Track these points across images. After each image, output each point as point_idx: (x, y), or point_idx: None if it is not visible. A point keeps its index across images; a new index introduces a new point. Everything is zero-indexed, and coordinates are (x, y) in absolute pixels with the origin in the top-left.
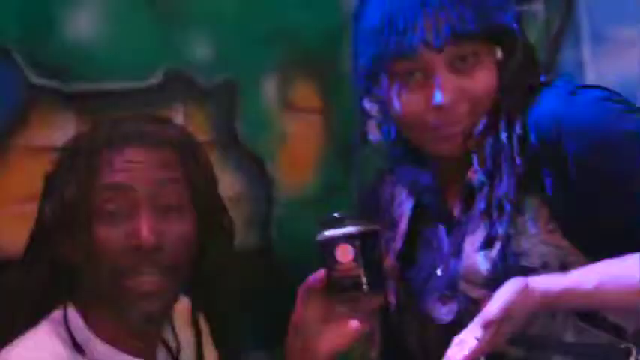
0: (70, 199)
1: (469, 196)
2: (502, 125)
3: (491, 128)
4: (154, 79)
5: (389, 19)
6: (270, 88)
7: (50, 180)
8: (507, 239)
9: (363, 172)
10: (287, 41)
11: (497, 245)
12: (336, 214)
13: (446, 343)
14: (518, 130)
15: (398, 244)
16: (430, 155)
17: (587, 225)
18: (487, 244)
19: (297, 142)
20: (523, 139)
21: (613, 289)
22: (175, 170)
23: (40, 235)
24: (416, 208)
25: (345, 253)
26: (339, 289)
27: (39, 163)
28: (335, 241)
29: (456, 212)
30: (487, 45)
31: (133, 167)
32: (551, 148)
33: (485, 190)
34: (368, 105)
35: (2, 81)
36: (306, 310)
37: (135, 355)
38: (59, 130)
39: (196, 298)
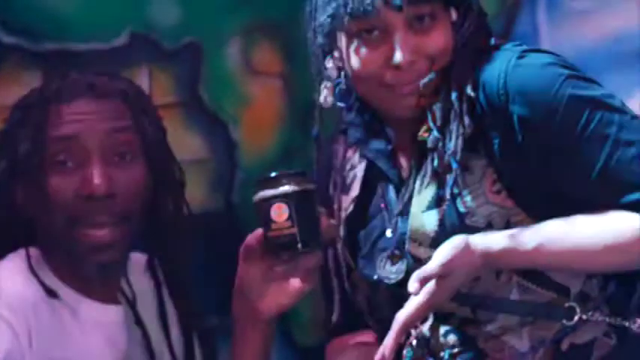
0: (22, 153)
1: (420, 156)
2: (453, 85)
3: (444, 88)
4: (120, 41)
5: None
6: (233, 51)
7: (4, 135)
8: (453, 199)
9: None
10: (251, 6)
11: (444, 205)
12: (272, 174)
13: (394, 303)
14: (468, 90)
15: (350, 207)
16: (384, 117)
17: (531, 186)
18: (435, 203)
19: (260, 105)
20: (473, 100)
21: (554, 250)
22: (124, 120)
23: None
24: (368, 170)
25: (279, 213)
26: (274, 248)
27: (4, 121)
28: (269, 200)
29: (406, 173)
30: (443, 6)
31: (82, 118)
32: (497, 109)
33: (436, 149)
34: (326, 64)
35: None
36: (247, 271)
37: (98, 300)
38: (26, 89)
39: (152, 250)
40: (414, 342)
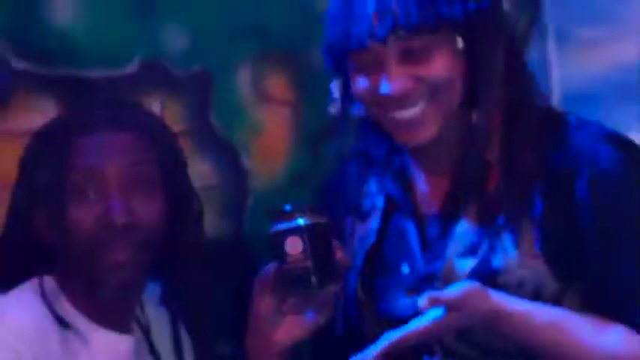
0: (43, 182)
1: (455, 198)
2: (518, 153)
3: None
4: (131, 68)
5: (346, 5)
6: (244, 79)
7: (24, 163)
8: (491, 253)
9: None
10: (262, 34)
11: (480, 256)
12: (286, 207)
13: None
14: (539, 165)
15: (370, 237)
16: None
17: (573, 261)
18: (471, 251)
19: (270, 133)
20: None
21: (559, 341)
22: (145, 152)
23: (15, 217)
24: (387, 200)
25: (293, 246)
26: (288, 281)
27: (18, 147)
28: (284, 233)
29: (432, 208)
30: (441, 36)
31: (104, 151)
32: (565, 185)
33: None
34: (332, 87)
35: None
36: (261, 304)
37: (110, 328)
38: (39, 115)
39: (168, 279)
40: None
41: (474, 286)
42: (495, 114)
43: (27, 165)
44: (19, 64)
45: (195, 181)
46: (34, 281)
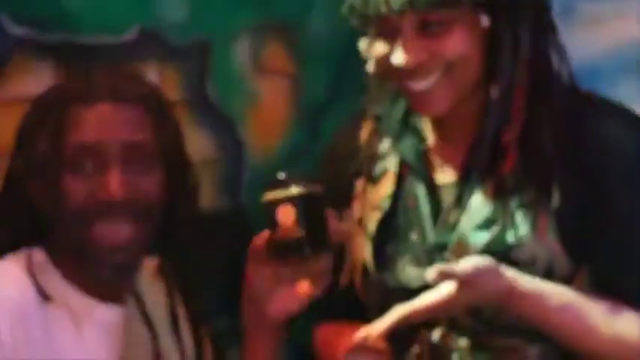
0: (40, 152)
1: (470, 170)
2: (539, 135)
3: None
4: (129, 36)
5: None
6: (242, 49)
7: (22, 131)
8: (506, 227)
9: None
10: (261, 4)
11: (494, 230)
12: (281, 175)
13: None
14: (564, 150)
15: (384, 203)
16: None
17: (587, 242)
18: (486, 225)
19: (267, 105)
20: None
21: (570, 323)
22: (145, 126)
23: (11, 185)
24: (401, 164)
25: (286, 215)
26: (281, 251)
27: (15, 114)
28: (277, 202)
29: (447, 177)
30: (462, 11)
31: (104, 124)
32: (587, 172)
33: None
34: (360, 44)
35: None
36: (255, 275)
37: (107, 303)
38: (36, 81)
39: (165, 254)
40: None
41: (487, 262)
42: (519, 94)
43: (25, 133)
44: (16, 31)
45: (190, 153)
46: (23, 254)
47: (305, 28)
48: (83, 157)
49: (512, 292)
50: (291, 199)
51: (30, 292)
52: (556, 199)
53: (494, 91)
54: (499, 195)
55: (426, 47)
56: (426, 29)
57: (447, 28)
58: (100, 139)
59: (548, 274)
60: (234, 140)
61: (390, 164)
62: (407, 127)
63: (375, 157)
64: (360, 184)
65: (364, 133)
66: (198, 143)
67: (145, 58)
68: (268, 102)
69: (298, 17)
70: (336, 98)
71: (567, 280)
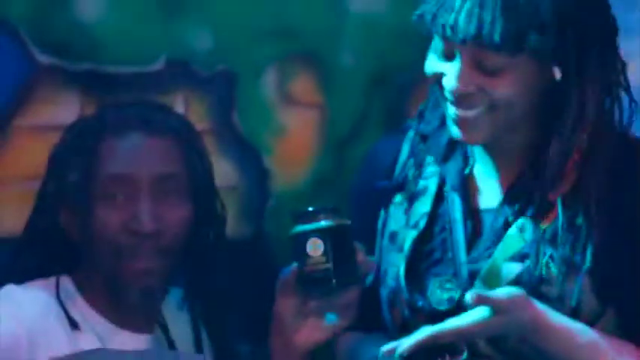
0: (72, 181)
1: (514, 199)
2: (586, 199)
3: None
4: (156, 66)
5: None
6: (269, 80)
7: (54, 159)
8: (538, 263)
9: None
10: (289, 35)
11: (527, 264)
12: (310, 208)
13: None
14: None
15: (420, 221)
16: None
17: (616, 284)
18: (519, 257)
19: (294, 136)
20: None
21: None
22: (176, 158)
23: (41, 212)
24: (440, 187)
25: (315, 248)
26: (309, 283)
27: (42, 141)
28: (305, 235)
29: (487, 204)
30: (523, 61)
31: (135, 155)
32: (625, 218)
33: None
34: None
35: (8, 58)
36: (283, 305)
37: (132, 331)
38: (63, 109)
39: (188, 283)
40: None
41: (520, 293)
42: (576, 153)
43: (57, 161)
44: (43, 59)
45: (216, 181)
46: (51, 280)
47: (332, 59)
48: (115, 188)
49: (540, 325)
50: (319, 232)
51: (59, 319)
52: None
53: (553, 147)
54: (537, 231)
55: (477, 81)
56: (482, 64)
57: (500, 70)
58: (131, 170)
59: (576, 313)
60: (259, 169)
61: (430, 183)
62: (453, 149)
63: (417, 173)
64: (398, 198)
65: (407, 144)
66: (222, 172)
67: (171, 88)
68: (294, 132)
69: (325, 48)
70: (363, 129)
71: (594, 320)
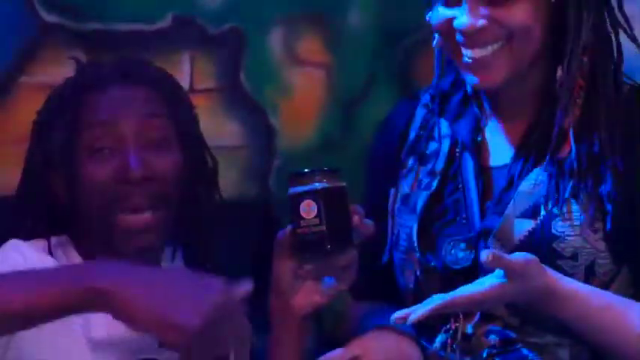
0: (58, 141)
1: (526, 155)
2: (597, 122)
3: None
4: (163, 23)
5: None
6: (276, 39)
7: (38, 124)
8: (551, 218)
9: (363, 128)
10: None
11: (540, 220)
12: (306, 169)
13: (444, 290)
14: (619, 141)
15: (433, 181)
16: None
17: (633, 242)
18: (532, 213)
19: (300, 95)
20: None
21: (609, 327)
22: (158, 107)
23: (31, 175)
24: (452, 146)
25: (308, 210)
26: (303, 246)
27: (44, 100)
28: (299, 196)
29: (500, 161)
30: None
31: (117, 105)
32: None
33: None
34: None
35: (13, 17)
36: (280, 268)
37: None
38: (68, 68)
39: (186, 242)
40: (452, 333)
41: (534, 259)
42: (579, 78)
43: (41, 125)
44: (48, 17)
45: (222, 140)
46: (42, 240)
47: (340, 19)
48: (100, 141)
49: (553, 292)
50: (313, 194)
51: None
52: (606, 193)
53: (562, 70)
54: (550, 182)
55: (490, 14)
56: None
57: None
58: (114, 117)
59: (589, 271)
60: (265, 128)
61: (442, 145)
62: (465, 108)
63: (429, 137)
64: (411, 161)
65: (421, 109)
66: (229, 130)
67: (177, 46)
68: (302, 92)
69: (333, 8)
70: (370, 90)
71: (608, 280)
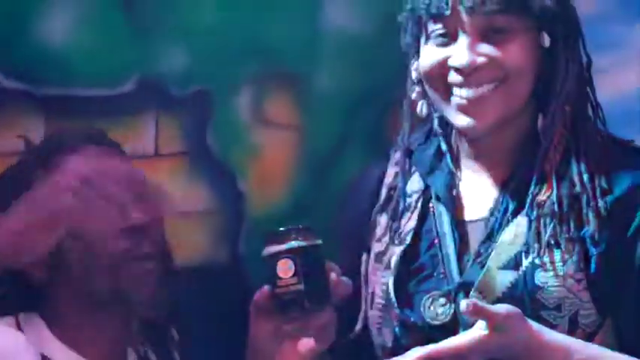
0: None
1: (504, 204)
2: (578, 166)
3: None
4: (127, 87)
5: None
6: (244, 100)
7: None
8: (534, 268)
9: (334, 190)
10: (263, 55)
11: (522, 271)
12: (281, 229)
13: (425, 343)
14: (601, 183)
15: (407, 238)
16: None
17: (615, 292)
18: (514, 265)
19: (269, 157)
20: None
21: None
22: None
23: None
24: (426, 200)
25: (285, 269)
26: (282, 305)
27: (6, 167)
28: (276, 256)
29: (477, 213)
30: (526, 25)
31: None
32: (622, 216)
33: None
34: (411, 67)
35: None
36: (257, 329)
37: None
38: (29, 135)
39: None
40: None
41: (516, 311)
42: (560, 126)
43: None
44: (7, 83)
45: (190, 205)
46: (10, 318)
47: (310, 79)
48: None
49: (539, 344)
50: (289, 253)
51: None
52: (589, 240)
53: (544, 117)
54: (531, 231)
55: (487, 51)
56: (489, 35)
57: (509, 36)
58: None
59: (573, 322)
60: (234, 192)
61: (415, 200)
62: (439, 161)
63: (401, 192)
64: (383, 219)
65: (392, 167)
66: (197, 195)
67: (143, 109)
68: (270, 154)
69: (303, 67)
70: (341, 151)
71: (591, 333)
